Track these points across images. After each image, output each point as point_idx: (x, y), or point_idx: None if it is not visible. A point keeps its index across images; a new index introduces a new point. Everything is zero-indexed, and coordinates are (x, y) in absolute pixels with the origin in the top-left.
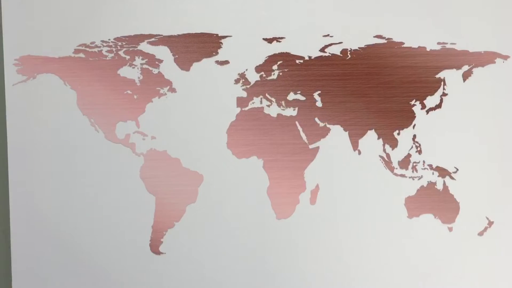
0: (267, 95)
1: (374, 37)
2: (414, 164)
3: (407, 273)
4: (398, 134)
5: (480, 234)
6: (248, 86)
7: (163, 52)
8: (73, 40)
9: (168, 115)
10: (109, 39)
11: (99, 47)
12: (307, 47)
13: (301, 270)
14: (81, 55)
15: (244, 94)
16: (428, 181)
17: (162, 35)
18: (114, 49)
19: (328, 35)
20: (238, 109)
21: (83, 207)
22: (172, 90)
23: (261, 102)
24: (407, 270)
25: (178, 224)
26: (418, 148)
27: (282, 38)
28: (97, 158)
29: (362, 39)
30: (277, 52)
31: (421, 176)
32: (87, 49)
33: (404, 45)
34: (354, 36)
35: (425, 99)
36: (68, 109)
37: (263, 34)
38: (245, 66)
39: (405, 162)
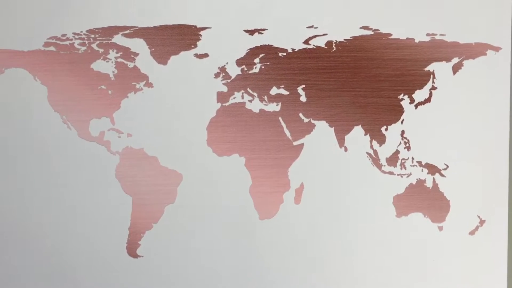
0: (248, 89)
1: (360, 28)
2: (403, 161)
3: (395, 274)
4: (386, 129)
5: (472, 233)
6: (228, 80)
7: (138, 45)
8: (43, 32)
9: (144, 111)
10: (82, 31)
11: (71, 39)
12: (290, 39)
13: (285, 272)
14: (52, 48)
15: (224, 89)
16: (417, 179)
17: (137, 26)
18: (86, 41)
19: (312, 26)
20: (219, 105)
21: (55, 208)
22: (149, 85)
23: (242, 97)
24: (396, 271)
25: (156, 226)
26: (407, 144)
27: (264, 29)
28: (70, 157)
29: (348, 31)
30: (259, 45)
31: (410, 174)
32: (58, 41)
33: (392, 37)
34: (340, 28)
35: (413, 93)
36: (38, 105)
37: (244, 25)
38: (225, 60)
39: (393, 159)
